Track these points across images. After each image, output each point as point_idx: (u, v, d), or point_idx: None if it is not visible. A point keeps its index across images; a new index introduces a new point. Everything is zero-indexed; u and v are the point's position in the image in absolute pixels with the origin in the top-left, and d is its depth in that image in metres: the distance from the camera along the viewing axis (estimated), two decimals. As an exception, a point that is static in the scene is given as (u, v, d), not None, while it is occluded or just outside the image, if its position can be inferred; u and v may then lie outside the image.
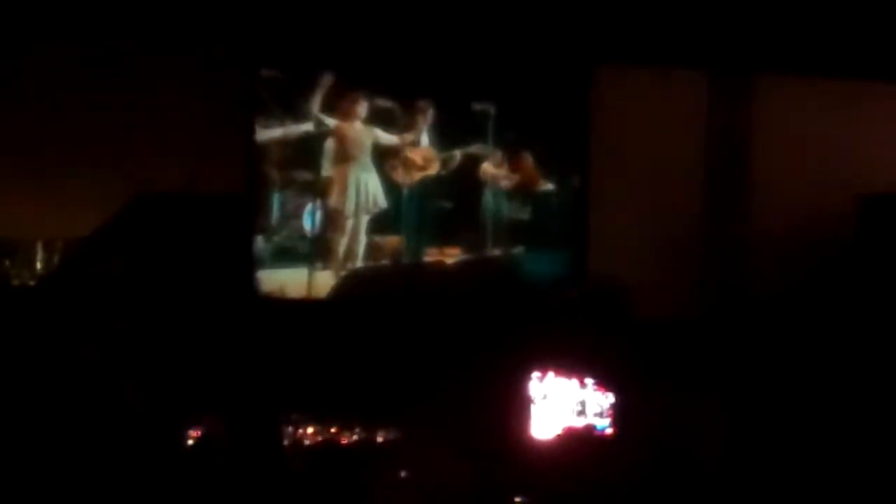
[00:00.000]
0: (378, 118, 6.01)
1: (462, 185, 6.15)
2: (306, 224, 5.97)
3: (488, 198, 6.16)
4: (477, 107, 6.11)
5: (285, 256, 5.96)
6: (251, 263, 5.85)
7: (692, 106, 6.53)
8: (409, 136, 6.06)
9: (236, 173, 5.82)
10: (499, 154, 6.17)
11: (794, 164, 6.56)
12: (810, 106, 6.60)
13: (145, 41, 5.82)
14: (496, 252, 6.16)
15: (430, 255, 6.09)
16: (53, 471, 4.92)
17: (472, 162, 6.18)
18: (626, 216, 6.34)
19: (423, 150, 6.08)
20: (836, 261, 6.25)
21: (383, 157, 6.05)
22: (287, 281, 5.94)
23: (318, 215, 5.98)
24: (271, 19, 5.87)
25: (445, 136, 6.11)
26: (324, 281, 6.00)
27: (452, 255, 6.12)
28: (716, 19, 6.27)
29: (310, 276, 5.98)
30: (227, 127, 5.77)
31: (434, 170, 6.08)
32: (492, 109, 6.12)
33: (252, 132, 5.86)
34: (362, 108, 5.99)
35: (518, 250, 6.18)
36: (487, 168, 6.16)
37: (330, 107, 5.97)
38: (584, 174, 6.23)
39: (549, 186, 6.22)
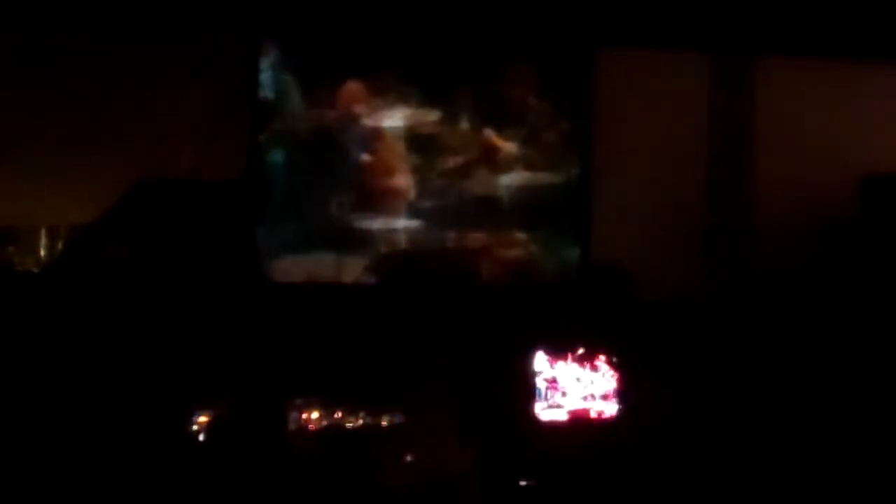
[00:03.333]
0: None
1: (466, 168, 6.14)
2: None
3: (489, 181, 6.15)
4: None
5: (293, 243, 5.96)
6: (254, 248, 5.86)
7: (694, 89, 6.50)
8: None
9: (239, 160, 5.81)
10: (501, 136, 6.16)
11: (796, 145, 6.54)
12: (813, 88, 6.57)
13: (146, 27, 5.81)
14: (499, 235, 6.15)
15: (439, 241, 6.08)
16: (56, 457, 4.94)
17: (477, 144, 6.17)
18: (629, 199, 6.31)
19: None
20: (839, 242, 6.25)
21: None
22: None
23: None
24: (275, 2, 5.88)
25: (446, 118, 6.09)
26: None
27: (453, 240, 6.11)
28: (718, 2, 6.26)
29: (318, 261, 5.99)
30: (230, 113, 5.77)
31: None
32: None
33: (255, 119, 5.85)
34: (363, 92, 5.99)
35: (520, 234, 6.17)
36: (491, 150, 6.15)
37: (336, 92, 5.98)
38: (586, 158, 6.21)
39: (552, 170, 6.21)
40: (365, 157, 6.01)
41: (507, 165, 6.14)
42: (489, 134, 6.13)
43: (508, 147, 6.15)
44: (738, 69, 6.54)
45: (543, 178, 6.18)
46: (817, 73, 6.56)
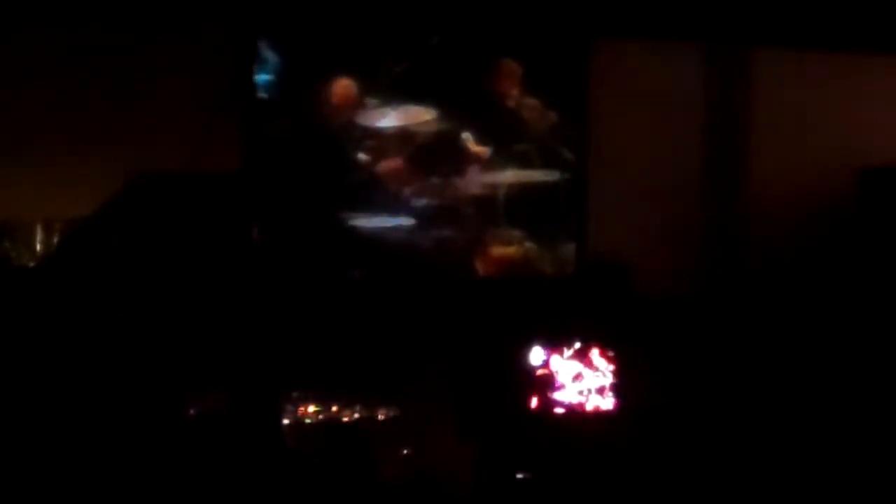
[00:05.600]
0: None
1: (461, 166, 6.13)
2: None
3: (484, 178, 6.14)
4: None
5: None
6: (251, 242, 5.85)
7: (690, 81, 6.49)
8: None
9: (235, 155, 5.81)
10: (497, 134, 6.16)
11: (793, 138, 6.53)
12: (809, 80, 6.56)
13: (141, 21, 5.80)
14: (496, 232, 6.15)
15: (435, 239, 6.08)
16: (53, 451, 4.95)
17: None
18: (626, 193, 6.31)
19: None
20: (837, 235, 6.24)
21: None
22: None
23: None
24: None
25: (440, 117, 6.08)
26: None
27: (448, 239, 6.11)
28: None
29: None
30: (226, 108, 5.76)
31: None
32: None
33: (251, 114, 5.85)
34: (357, 91, 5.98)
35: (517, 230, 6.16)
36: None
37: (330, 91, 5.97)
38: (582, 152, 6.19)
39: (548, 166, 6.19)
40: (360, 156, 6.00)
41: (503, 162, 6.12)
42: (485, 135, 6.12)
43: (503, 148, 6.13)
44: (734, 61, 6.53)
45: (540, 173, 6.16)
46: (814, 64, 6.55)
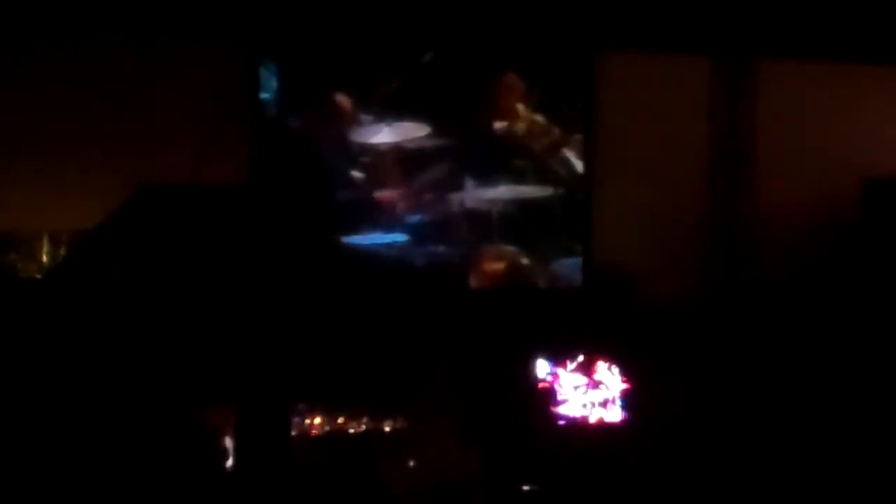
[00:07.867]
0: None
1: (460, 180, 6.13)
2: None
3: (487, 192, 6.15)
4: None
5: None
6: (254, 255, 5.85)
7: (695, 92, 6.50)
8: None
9: (239, 167, 5.82)
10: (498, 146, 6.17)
11: (797, 148, 6.54)
12: (814, 90, 6.57)
13: (146, 34, 5.82)
14: (500, 245, 6.15)
15: (439, 254, 6.08)
16: (59, 463, 4.93)
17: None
18: (630, 204, 6.33)
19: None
20: (841, 245, 6.25)
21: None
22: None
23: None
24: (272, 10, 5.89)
25: (440, 132, 6.09)
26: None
27: (453, 253, 6.11)
28: (719, 4, 6.26)
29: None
30: (229, 121, 5.78)
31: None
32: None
33: (255, 129, 5.86)
34: (354, 108, 5.99)
35: (523, 241, 6.16)
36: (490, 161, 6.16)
37: (329, 108, 5.99)
38: (588, 163, 6.20)
39: (552, 178, 6.20)
40: (356, 174, 6.01)
41: (508, 176, 6.12)
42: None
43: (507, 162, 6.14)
44: (738, 72, 6.54)
45: (544, 188, 6.17)
46: (818, 75, 6.56)
